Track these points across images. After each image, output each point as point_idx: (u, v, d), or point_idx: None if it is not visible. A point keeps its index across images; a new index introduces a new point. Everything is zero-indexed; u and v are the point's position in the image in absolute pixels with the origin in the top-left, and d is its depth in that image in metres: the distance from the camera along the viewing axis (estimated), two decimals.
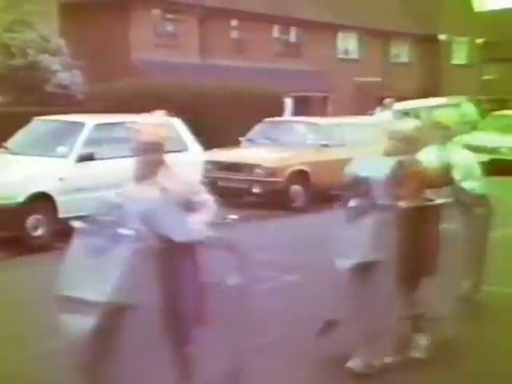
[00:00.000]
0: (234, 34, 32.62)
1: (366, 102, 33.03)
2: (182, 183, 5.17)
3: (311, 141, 16.40)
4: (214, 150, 16.24)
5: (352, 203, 5.83)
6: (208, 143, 15.24)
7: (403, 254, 5.77)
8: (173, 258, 4.96)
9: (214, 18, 30.85)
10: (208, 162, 14.64)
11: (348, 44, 38.75)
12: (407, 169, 5.93)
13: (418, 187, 5.96)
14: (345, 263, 5.78)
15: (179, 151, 13.30)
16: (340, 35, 37.95)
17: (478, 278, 7.67)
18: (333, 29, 36.79)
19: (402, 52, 42.37)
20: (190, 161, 13.44)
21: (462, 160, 7.30)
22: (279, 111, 22.89)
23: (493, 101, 45.63)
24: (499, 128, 23.92)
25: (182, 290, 5.03)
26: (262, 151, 16.29)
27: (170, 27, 30.08)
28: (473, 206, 7.23)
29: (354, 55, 38.95)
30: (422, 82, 40.92)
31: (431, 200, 6.19)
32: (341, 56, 38.19)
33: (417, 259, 5.91)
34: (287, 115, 24.96)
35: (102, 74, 21.96)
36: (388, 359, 5.89)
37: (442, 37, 42.53)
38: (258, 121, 18.04)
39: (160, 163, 5.12)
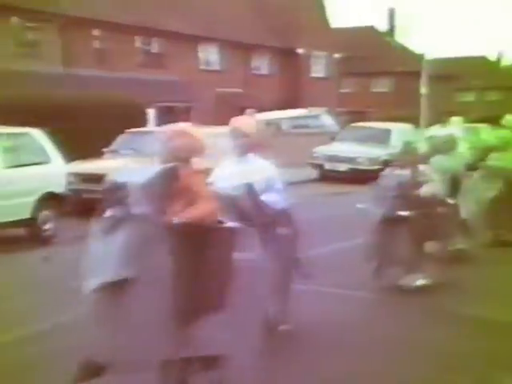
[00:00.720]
0: (97, 44, 32.35)
1: (228, 112, 33.37)
2: None
3: None
4: (77, 161, 16.10)
5: (108, 213, 5.01)
6: (71, 155, 15.09)
7: (177, 280, 4.86)
8: None
9: (75, 28, 30.48)
10: (71, 174, 14.51)
11: (210, 55, 39.09)
12: (178, 178, 5.07)
13: (192, 201, 5.06)
14: (90, 284, 4.82)
15: (41, 163, 13.19)
16: (202, 47, 38.27)
17: (282, 305, 6.83)
18: (195, 40, 37.05)
19: (262, 64, 43.10)
20: (52, 173, 13.33)
21: (263, 171, 6.52)
22: (143, 121, 22.90)
23: (351, 113, 47.22)
24: (357, 139, 24.75)
25: None
26: (125, 162, 16.27)
27: (30, 36, 29.48)
28: (274, 222, 6.41)
29: (216, 66, 39.31)
30: (282, 94, 41.75)
31: (220, 222, 5.30)
32: (203, 67, 38.50)
33: (195, 289, 4.95)
34: (150, 125, 24.99)
35: None
36: None
37: (300, 51, 43.61)
38: (121, 131, 18.03)
39: None
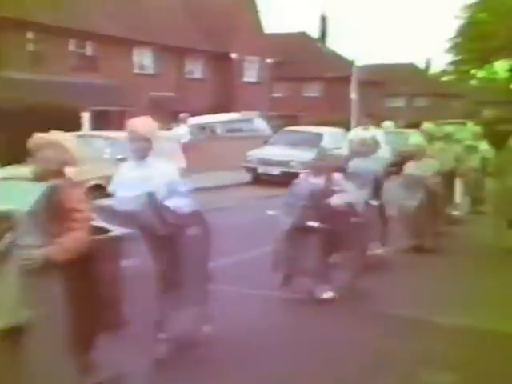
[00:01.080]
0: (30, 47, 32.06)
1: (162, 116, 33.42)
2: None
3: (107, 155, 16.35)
4: (10, 166, 16.04)
5: None
6: (3, 159, 15.02)
7: (70, 308, 4.55)
8: None
9: (8, 30, 30.15)
10: (3, 179, 14.46)
11: (144, 59, 39.09)
12: (59, 197, 4.68)
13: (77, 220, 4.70)
14: None
15: None
16: (136, 50, 38.26)
17: (200, 306, 6.66)
18: (129, 44, 37.01)
19: (196, 68, 43.24)
20: None
21: (164, 175, 6.09)
22: (77, 125, 22.82)
23: (283, 117, 47.65)
24: (289, 142, 25.08)
25: None
26: None
27: None
28: (181, 227, 6.06)
29: (150, 70, 39.32)
30: (215, 98, 41.94)
31: (105, 231, 5.05)
32: (137, 71, 38.49)
33: (89, 312, 4.68)
34: (85, 130, 24.93)
35: None
36: None
37: (233, 55, 43.92)
38: None
39: None
